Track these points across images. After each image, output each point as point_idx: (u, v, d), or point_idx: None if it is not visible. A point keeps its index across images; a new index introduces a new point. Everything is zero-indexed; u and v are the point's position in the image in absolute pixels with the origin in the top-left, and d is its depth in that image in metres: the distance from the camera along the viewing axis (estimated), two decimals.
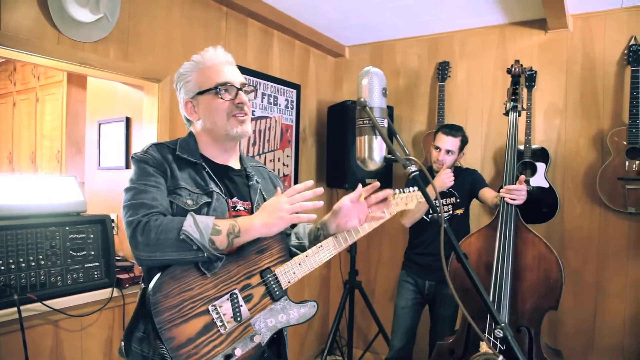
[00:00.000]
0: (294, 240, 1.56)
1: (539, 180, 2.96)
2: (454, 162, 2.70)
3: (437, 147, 2.66)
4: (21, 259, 1.93)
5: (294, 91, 3.45)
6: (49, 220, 2.06)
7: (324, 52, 3.76)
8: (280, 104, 3.31)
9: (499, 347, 2.15)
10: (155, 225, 1.18)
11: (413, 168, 1.14)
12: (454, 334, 2.42)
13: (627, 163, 2.71)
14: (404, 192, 1.57)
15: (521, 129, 3.04)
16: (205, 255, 1.20)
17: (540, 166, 2.96)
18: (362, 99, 1.16)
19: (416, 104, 3.54)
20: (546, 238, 3.00)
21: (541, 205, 2.96)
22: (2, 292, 1.85)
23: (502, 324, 1.04)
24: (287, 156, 3.43)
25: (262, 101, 3.11)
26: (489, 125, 3.25)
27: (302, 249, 1.51)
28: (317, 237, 1.50)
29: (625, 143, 2.72)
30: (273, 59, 3.26)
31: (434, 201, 1.15)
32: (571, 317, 2.98)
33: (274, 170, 3.29)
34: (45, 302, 1.96)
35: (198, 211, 1.29)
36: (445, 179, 2.53)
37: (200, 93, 1.38)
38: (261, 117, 3.09)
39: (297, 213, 1.28)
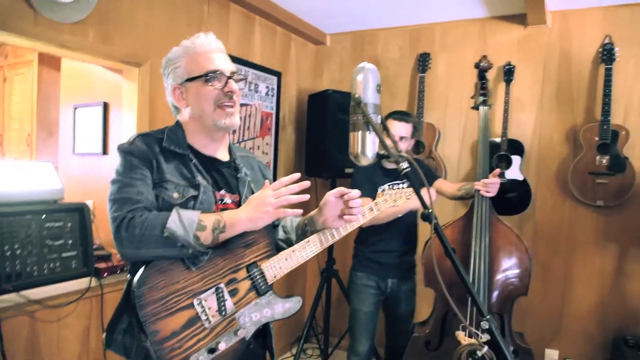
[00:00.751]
0: (281, 234, 1.56)
1: (514, 173, 3.04)
2: (407, 149, 2.63)
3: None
4: None
5: (275, 78, 3.42)
6: (24, 208, 2.00)
7: (305, 39, 3.73)
8: (260, 91, 3.28)
9: (480, 336, 2.24)
10: (139, 221, 1.17)
11: (405, 165, 1.16)
12: (425, 325, 2.48)
13: (597, 158, 2.81)
14: (393, 188, 1.59)
15: (498, 123, 3.12)
16: (190, 251, 1.20)
17: (516, 159, 3.04)
18: (356, 95, 1.17)
19: (396, 94, 3.56)
20: (519, 229, 3.12)
21: (515, 197, 3.04)
22: None
23: (488, 317, 1.08)
24: (267, 144, 3.41)
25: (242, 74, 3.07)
26: (467, 117, 3.30)
27: (289, 242, 1.52)
28: (304, 232, 1.50)
29: (596, 139, 2.82)
30: (254, 45, 3.22)
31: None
32: (540, 304, 3.10)
33: None
34: (22, 293, 1.91)
35: (184, 204, 1.27)
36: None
37: (190, 80, 1.34)
38: (241, 105, 3.06)
39: (283, 207, 1.27)
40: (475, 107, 2.54)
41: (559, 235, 3.06)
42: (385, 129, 1.23)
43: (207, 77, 1.32)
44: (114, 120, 2.58)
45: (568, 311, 3.05)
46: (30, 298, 1.96)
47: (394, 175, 2.59)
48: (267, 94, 3.34)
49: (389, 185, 2.53)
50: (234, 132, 3.04)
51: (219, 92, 1.33)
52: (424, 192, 1.14)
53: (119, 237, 1.18)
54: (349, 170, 3.38)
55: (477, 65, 2.59)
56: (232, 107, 1.36)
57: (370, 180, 2.53)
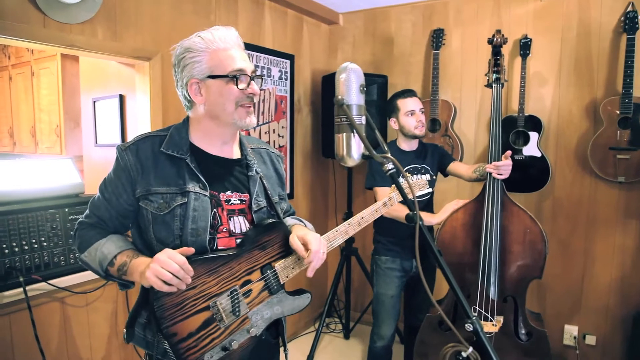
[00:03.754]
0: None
1: (531, 149, 2.98)
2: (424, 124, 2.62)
3: (410, 112, 2.55)
4: (24, 242, 2.01)
5: (288, 62, 3.42)
6: (49, 203, 2.13)
7: (317, 20, 3.69)
8: (273, 76, 3.30)
9: (489, 317, 2.26)
10: (78, 235, 1.37)
11: (390, 166, 1.18)
12: (440, 304, 2.51)
13: (618, 133, 2.72)
14: (410, 173, 1.57)
15: (514, 98, 3.05)
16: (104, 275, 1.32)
17: (533, 135, 2.98)
18: (339, 97, 1.18)
19: (411, 72, 3.51)
20: (537, 206, 3.08)
21: (533, 174, 2.99)
22: (9, 274, 1.94)
23: (473, 317, 1.09)
24: (282, 127, 3.45)
25: (260, 74, 3.09)
26: (483, 93, 3.24)
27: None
28: None
29: (617, 112, 2.72)
30: (265, 30, 3.22)
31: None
32: (559, 281, 3.08)
33: (268, 143, 3.31)
34: (50, 282, 2.06)
35: (171, 213, 1.30)
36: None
37: (212, 77, 1.30)
38: None
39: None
40: (489, 85, 2.48)
41: (579, 212, 3.00)
42: (371, 128, 1.24)
43: (233, 77, 1.30)
44: (130, 112, 2.67)
45: (588, 287, 3.02)
46: (60, 286, 2.11)
47: (412, 157, 2.60)
48: (280, 77, 3.36)
49: (405, 171, 2.55)
50: None
51: (240, 92, 1.31)
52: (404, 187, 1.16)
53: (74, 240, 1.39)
54: (364, 152, 3.38)
55: (490, 41, 2.49)
56: (251, 106, 1.36)
57: None
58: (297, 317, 3.70)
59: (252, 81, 1.34)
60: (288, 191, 3.56)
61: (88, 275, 2.20)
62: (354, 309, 3.87)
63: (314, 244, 1.34)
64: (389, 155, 1.18)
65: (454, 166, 2.63)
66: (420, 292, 2.77)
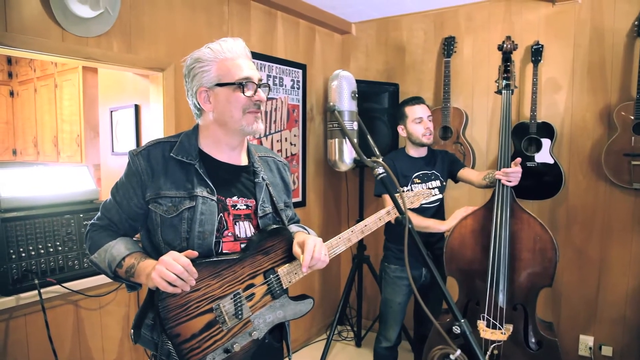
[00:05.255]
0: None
1: (544, 156, 2.95)
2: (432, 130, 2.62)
3: (418, 119, 2.55)
4: (40, 246, 2.09)
5: (300, 71, 3.47)
6: (64, 209, 2.21)
7: (330, 29, 3.74)
8: (285, 85, 3.35)
9: (498, 326, 2.24)
10: (89, 237, 1.42)
11: (380, 170, 1.20)
12: (449, 312, 2.50)
13: (633, 139, 2.67)
14: (412, 190, 1.61)
15: (526, 105, 3.03)
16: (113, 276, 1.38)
17: (546, 142, 2.94)
18: (331, 103, 1.21)
19: (422, 80, 3.52)
20: (551, 213, 3.04)
21: (546, 181, 2.96)
22: (25, 277, 2.02)
23: (462, 321, 1.10)
24: (295, 136, 3.49)
25: (266, 82, 3.15)
26: (495, 100, 3.22)
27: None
28: None
29: (632, 118, 2.67)
30: (277, 40, 3.28)
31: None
32: (574, 290, 3.02)
33: (280, 151, 3.36)
34: (65, 285, 2.13)
35: (179, 217, 1.33)
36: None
37: (220, 85, 1.35)
38: (267, 99, 3.13)
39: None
40: (499, 92, 2.48)
41: (594, 219, 2.95)
42: (363, 133, 1.26)
43: (239, 85, 1.35)
44: (145, 121, 2.75)
45: (604, 297, 2.95)
46: (73, 289, 2.17)
47: (421, 164, 2.61)
48: (292, 87, 3.41)
49: (415, 177, 2.57)
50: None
51: (247, 100, 1.36)
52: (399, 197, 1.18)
53: (85, 240, 1.45)
54: (375, 159, 3.39)
55: (500, 48, 2.49)
56: (258, 113, 1.40)
57: (397, 174, 2.54)
58: (310, 324, 3.71)
59: (258, 89, 1.37)
60: (300, 198, 3.59)
61: (101, 279, 2.27)
62: (365, 317, 3.86)
63: (309, 245, 1.35)
64: (380, 160, 1.20)
65: (464, 172, 2.62)
66: (429, 301, 2.75)
